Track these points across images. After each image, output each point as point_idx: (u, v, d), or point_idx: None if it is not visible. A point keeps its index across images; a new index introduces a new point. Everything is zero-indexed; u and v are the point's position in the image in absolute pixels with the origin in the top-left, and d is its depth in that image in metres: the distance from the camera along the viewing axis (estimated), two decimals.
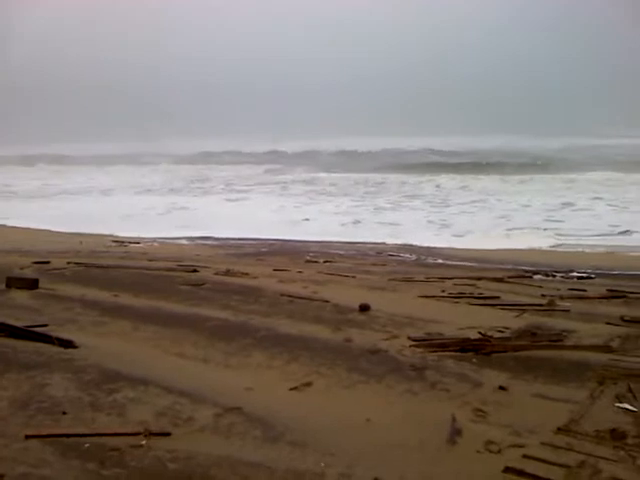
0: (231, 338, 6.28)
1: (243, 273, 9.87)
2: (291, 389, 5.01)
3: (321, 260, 12.23)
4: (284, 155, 56.46)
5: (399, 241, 15.30)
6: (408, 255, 13.48)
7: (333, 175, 37.59)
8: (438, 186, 29.42)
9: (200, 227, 17.94)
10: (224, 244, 15.39)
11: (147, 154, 58.20)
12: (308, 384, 5.09)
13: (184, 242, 15.89)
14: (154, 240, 15.82)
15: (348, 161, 46.99)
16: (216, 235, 16.62)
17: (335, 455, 3.86)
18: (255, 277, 9.59)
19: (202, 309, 7.48)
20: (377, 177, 35.66)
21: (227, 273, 9.84)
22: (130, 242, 15.23)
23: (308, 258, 12.52)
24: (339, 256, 13.22)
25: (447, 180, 32.26)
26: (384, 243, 15.18)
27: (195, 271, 10.01)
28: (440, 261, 12.60)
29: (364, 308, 7.37)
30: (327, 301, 7.83)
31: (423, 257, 13.19)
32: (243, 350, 5.96)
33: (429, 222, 18.86)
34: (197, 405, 4.55)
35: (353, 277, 9.90)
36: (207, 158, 56.69)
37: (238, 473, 3.65)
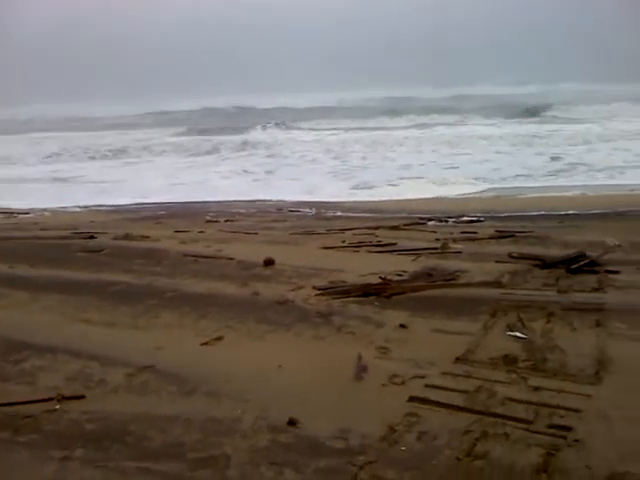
0: (137, 301, 6.26)
1: (143, 236, 9.74)
2: (202, 344, 5.10)
3: (222, 219, 12.22)
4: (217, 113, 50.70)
5: (299, 197, 15.47)
6: (308, 210, 13.68)
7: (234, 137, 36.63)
8: (343, 143, 29.28)
9: (94, 193, 17.40)
10: (119, 209, 15.02)
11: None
12: (219, 338, 5.19)
13: (77, 210, 15.37)
14: (44, 210, 15.21)
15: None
16: (110, 202, 16.16)
17: (250, 401, 4.02)
18: (156, 240, 9.49)
19: (103, 275, 7.36)
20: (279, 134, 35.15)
21: (126, 237, 9.68)
22: (19, 213, 14.59)
23: (208, 218, 12.47)
24: (240, 215, 13.24)
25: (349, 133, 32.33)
26: (283, 200, 15.32)
27: (92, 237, 9.77)
28: (339, 214, 12.88)
29: (269, 262, 7.50)
30: (232, 258, 7.90)
31: (323, 211, 13.43)
32: (150, 311, 5.97)
33: (332, 175, 19.03)
34: (108, 367, 4.57)
35: (255, 234, 10.00)
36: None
37: (156, 427, 3.74)
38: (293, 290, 6.45)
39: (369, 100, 47.61)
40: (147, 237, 9.67)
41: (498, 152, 21.44)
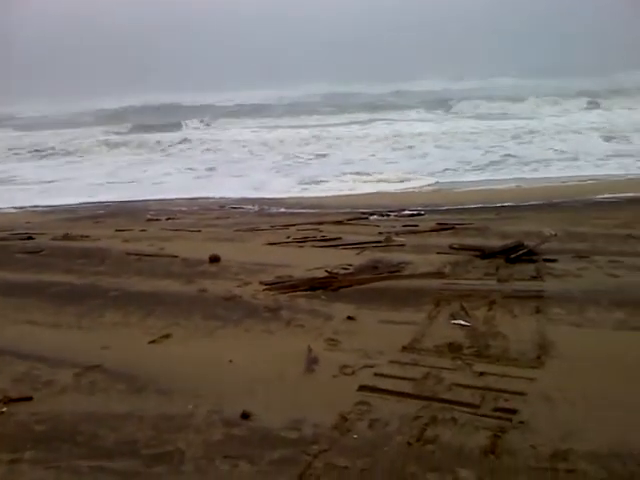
0: (80, 301, 6.15)
1: (83, 236, 9.54)
2: (150, 342, 5.06)
3: (163, 218, 12.08)
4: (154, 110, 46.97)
5: (241, 193, 15.41)
6: (251, 206, 13.65)
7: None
8: (284, 140, 29.10)
9: (30, 194, 16.89)
10: (56, 209, 14.64)
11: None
12: (167, 336, 5.16)
13: (12, 211, 14.91)
14: None
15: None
16: (48, 202, 15.71)
17: (202, 396, 4.02)
18: (97, 239, 9.31)
19: (44, 275, 7.19)
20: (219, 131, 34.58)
21: (65, 237, 9.47)
22: None
23: (149, 217, 12.30)
24: (181, 212, 13.12)
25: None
26: (225, 197, 15.22)
27: (30, 238, 9.53)
28: (282, 210, 12.91)
29: (214, 259, 7.48)
30: (176, 256, 7.83)
31: (266, 207, 13.42)
32: (95, 311, 5.88)
33: (275, 171, 18.99)
34: (55, 368, 4.50)
35: (199, 231, 9.94)
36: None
37: (107, 425, 3.70)
38: (240, 286, 6.45)
39: (310, 96, 47.63)
40: (87, 237, 9.48)
41: (438, 147, 21.83)
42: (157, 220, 11.78)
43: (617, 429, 3.52)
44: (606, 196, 12.12)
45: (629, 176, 14.88)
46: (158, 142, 29.10)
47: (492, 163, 18.12)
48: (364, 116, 34.57)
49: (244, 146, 25.75)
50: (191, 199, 15.22)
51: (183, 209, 13.68)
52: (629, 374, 4.18)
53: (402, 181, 16.08)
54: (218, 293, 6.19)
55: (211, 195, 15.61)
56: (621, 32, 57.33)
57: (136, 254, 8.05)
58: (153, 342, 5.05)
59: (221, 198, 15.19)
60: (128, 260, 7.82)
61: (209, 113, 40.66)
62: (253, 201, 14.38)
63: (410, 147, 22.18)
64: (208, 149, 25.62)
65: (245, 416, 3.77)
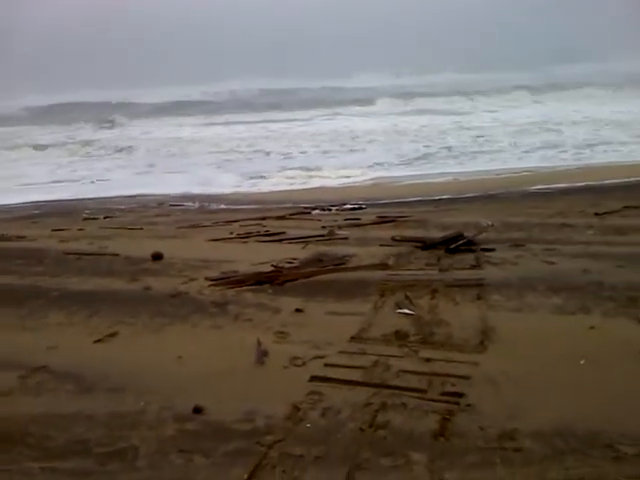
0: (21, 302, 5.99)
1: (19, 237, 9.28)
2: (96, 341, 4.99)
3: (101, 216, 11.84)
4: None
5: (181, 191, 15.20)
6: (191, 203, 13.52)
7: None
8: (222, 136, 28.57)
9: None
10: None
11: None
12: (113, 334, 5.10)
13: None
14: None
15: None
16: None
17: (154, 393, 4.01)
18: (33, 239, 9.07)
19: None
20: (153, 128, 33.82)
21: (1, 239, 9.18)
22: None
23: (85, 215, 12.03)
24: (119, 211, 12.88)
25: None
26: (164, 194, 14.99)
27: None
28: (224, 206, 12.84)
29: (157, 257, 7.40)
30: (117, 254, 7.71)
31: (206, 204, 13.32)
32: (37, 312, 5.74)
33: (216, 167, 18.74)
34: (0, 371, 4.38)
35: (140, 229, 9.80)
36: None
37: (57, 426, 3.65)
38: (185, 283, 6.42)
39: (249, 92, 47.24)
40: (23, 237, 9.23)
41: (372, 141, 22.02)
42: (94, 219, 11.54)
43: (559, 408, 3.69)
44: (540, 187, 12.56)
45: (560, 167, 15.41)
46: (92, 140, 28.38)
47: (427, 156, 18.45)
48: (303, 113, 34.50)
49: (181, 143, 25.37)
50: (129, 197, 14.93)
51: (121, 207, 13.43)
52: (567, 355, 4.38)
53: (342, 176, 16.20)
54: (163, 290, 6.15)
55: (149, 192, 15.34)
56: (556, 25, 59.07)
57: (75, 253, 7.88)
58: (99, 341, 4.98)
59: (160, 195, 14.96)
60: (67, 260, 7.65)
61: (143, 110, 39.80)
62: (193, 198, 14.23)
63: (350, 142, 22.33)
64: (147, 149, 25.06)
65: (197, 410, 3.78)
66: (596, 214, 9.08)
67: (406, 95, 38.14)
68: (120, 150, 24.69)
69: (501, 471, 3.16)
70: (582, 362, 4.28)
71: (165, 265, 7.19)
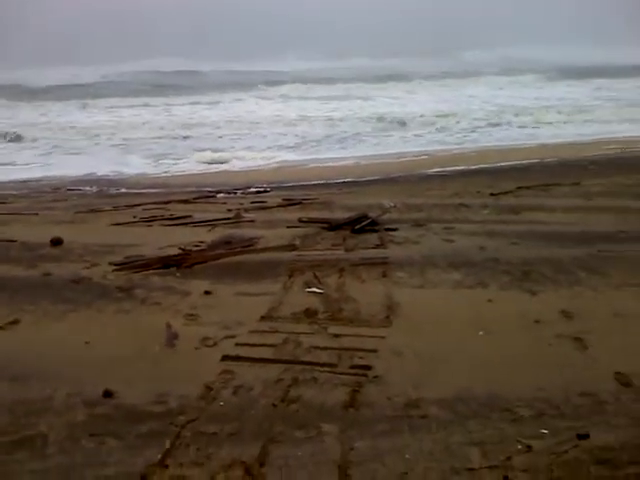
0: None
1: None
2: None
3: None
4: None
5: (78, 173, 14.64)
6: (89, 188, 13.05)
7: None
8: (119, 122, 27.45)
9: None
10: None
11: None
12: (15, 322, 4.90)
13: None
14: None
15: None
16: None
17: (61, 379, 3.91)
18: None
19: None
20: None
21: None
22: None
23: None
24: (12, 196, 12.23)
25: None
26: (59, 178, 14.38)
27: None
28: (125, 190, 12.49)
29: (56, 242, 7.14)
30: (14, 240, 7.36)
31: (105, 188, 12.90)
32: None
33: (118, 152, 18.09)
34: None
35: (35, 214, 9.38)
36: None
37: None
38: (88, 268, 6.24)
39: (153, 74, 45.63)
40: None
41: (275, 124, 21.95)
42: None
43: (460, 376, 3.91)
44: (437, 170, 13.00)
45: (457, 151, 16.00)
46: None
47: (329, 140, 18.63)
48: (209, 96, 33.72)
49: (80, 126, 24.31)
50: (22, 182, 14.22)
51: (13, 193, 12.78)
52: (467, 327, 4.63)
53: (248, 159, 16.12)
54: (64, 276, 5.95)
55: (44, 176, 14.67)
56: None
57: None
58: (0, 329, 4.78)
59: (55, 179, 14.34)
60: None
61: (39, 91, 37.50)
62: (91, 182, 13.73)
63: (254, 126, 22.19)
64: (41, 133, 23.81)
65: (107, 394, 3.73)
66: (491, 194, 9.52)
67: (314, 80, 38.11)
68: (6, 135, 23.32)
69: (408, 438, 3.32)
70: (481, 333, 4.54)
71: (65, 251, 6.94)
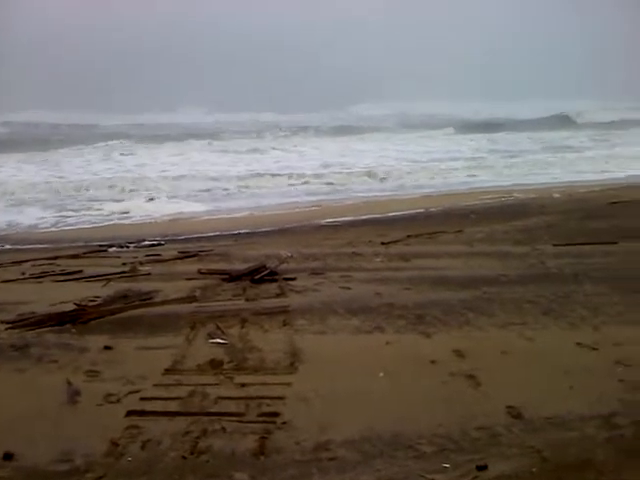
0: None
1: None
2: None
3: None
4: None
5: None
6: None
7: None
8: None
9: None
10: None
11: None
12: None
13: None
14: None
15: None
16: None
17: None
18: None
19: None
20: None
21: None
22: None
23: None
24: None
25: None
26: None
27: None
28: (8, 247, 11.95)
29: None
30: None
31: None
32: None
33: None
34: None
35: None
36: None
37: None
38: None
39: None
40: None
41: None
42: None
43: (365, 417, 4.06)
44: (329, 220, 13.39)
45: (347, 202, 16.55)
46: None
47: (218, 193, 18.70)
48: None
49: None
50: None
51: None
52: (368, 369, 4.80)
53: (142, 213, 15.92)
54: None
55: None
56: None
57: None
58: None
59: None
60: None
61: None
62: None
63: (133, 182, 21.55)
64: None
65: (8, 457, 3.58)
66: (382, 243, 9.92)
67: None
68: None
69: None
70: (381, 374, 4.72)
71: None
